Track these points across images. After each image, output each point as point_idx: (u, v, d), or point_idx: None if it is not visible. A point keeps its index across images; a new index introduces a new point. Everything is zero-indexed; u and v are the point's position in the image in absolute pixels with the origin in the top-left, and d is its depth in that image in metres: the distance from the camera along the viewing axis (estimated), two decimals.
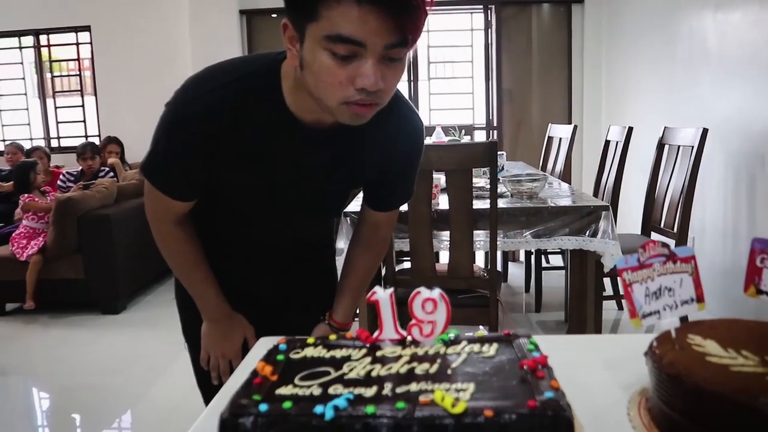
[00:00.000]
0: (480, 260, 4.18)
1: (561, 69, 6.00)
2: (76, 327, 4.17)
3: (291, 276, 1.52)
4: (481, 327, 3.53)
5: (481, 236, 2.67)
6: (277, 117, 1.16)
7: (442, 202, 2.76)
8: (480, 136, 6.14)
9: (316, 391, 0.70)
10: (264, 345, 1.02)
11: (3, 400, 3.22)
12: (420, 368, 0.76)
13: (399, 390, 0.69)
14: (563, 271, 4.04)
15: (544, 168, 4.69)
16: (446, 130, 4.64)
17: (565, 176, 4.19)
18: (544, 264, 4.15)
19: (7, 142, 6.30)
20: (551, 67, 6.02)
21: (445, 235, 2.63)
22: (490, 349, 0.81)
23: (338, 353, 0.83)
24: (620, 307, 3.90)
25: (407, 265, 2.67)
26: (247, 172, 1.23)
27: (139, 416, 2.94)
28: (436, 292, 0.83)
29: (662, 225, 3.41)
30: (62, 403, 3.14)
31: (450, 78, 6.72)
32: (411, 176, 1.41)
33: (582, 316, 2.88)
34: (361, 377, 0.74)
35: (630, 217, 4.33)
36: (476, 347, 0.82)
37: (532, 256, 4.24)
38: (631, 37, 5.17)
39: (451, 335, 0.86)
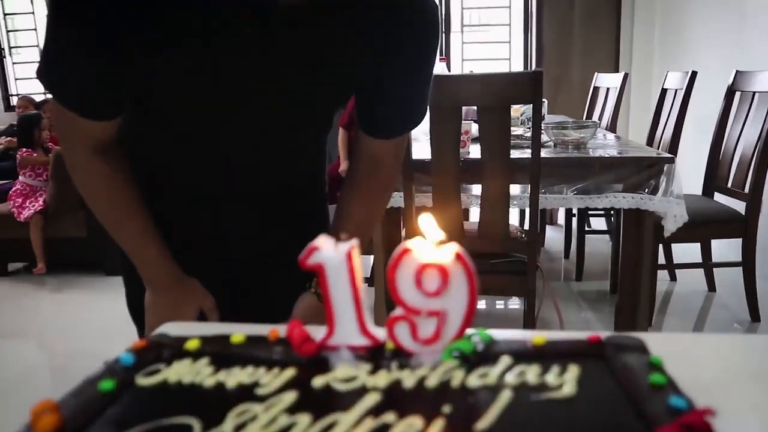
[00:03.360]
0: (514, 221, 3.78)
1: (608, 13, 5.46)
2: (80, 289, 3.87)
3: (266, 227, 1.13)
4: (517, 300, 3.13)
5: (516, 191, 2.25)
6: None
7: (473, 152, 2.33)
8: None
9: None
10: (169, 329, 0.57)
11: (5, 363, 2.96)
12: (403, 429, 0.32)
13: None
14: (606, 236, 3.63)
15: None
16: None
17: (612, 131, 3.76)
18: (585, 227, 3.74)
19: (20, 95, 6.10)
20: (597, 11, 5.49)
21: (477, 189, 2.21)
22: (565, 379, 0.36)
23: (234, 377, 0.39)
24: (672, 278, 3.47)
25: None
26: (180, 70, 0.85)
27: None
28: (448, 251, 0.38)
29: (729, 185, 2.96)
30: (65, 367, 2.85)
31: (485, 26, 6.24)
32: (420, 85, 1.02)
33: (635, 287, 2.47)
34: None
35: (689, 175, 3.83)
36: (532, 372, 0.38)
37: (573, 219, 3.79)
38: None
39: (477, 340, 0.42)
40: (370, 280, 2.77)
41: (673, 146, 3.28)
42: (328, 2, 0.77)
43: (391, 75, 0.95)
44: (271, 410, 0.35)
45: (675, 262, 3.27)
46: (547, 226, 4.48)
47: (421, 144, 2.34)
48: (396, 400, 0.36)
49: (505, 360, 0.39)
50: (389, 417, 0.34)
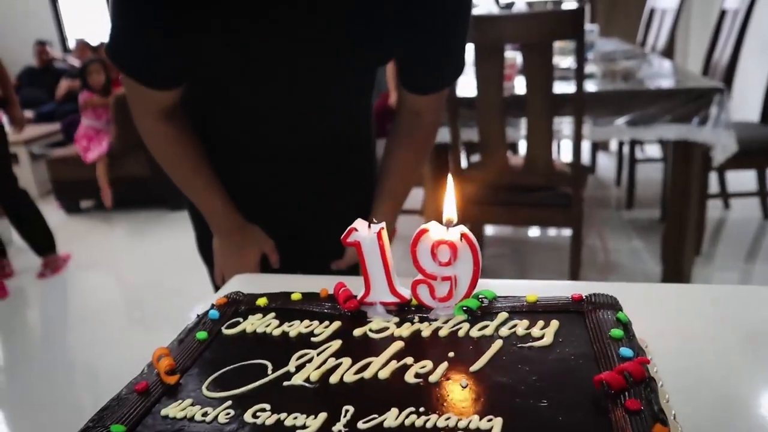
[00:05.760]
0: (566, 153, 3.75)
1: None
2: (147, 225, 4.12)
3: (317, 181, 1.22)
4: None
5: (566, 123, 2.27)
6: None
7: (519, 85, 2.35)
8: None
9: (223, 418, 0.40)
10: (240, 281, 0.72)
11: (88, 293, 3.23)
12: (417, 369, 0.44)
13: (365, 425, 0.38)
14: (660, 163, 3.56)
15: (643, 45, 4.09)
16: (530, 3, 4.09)
17: (668, 55, 3.62)
18: (638, 155, 3.66)
19: (77, 39, 6.24)
20: None
21: (523, 123, 2.24)
22: (546, 332, 0.47)
23: (294, 328, 0.51)
24: (726, 206, 3.41)
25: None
26: (229, 40, 0.92)
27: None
28: (455, 231, 0.49)
29: None
30: (139, 298, 3.10)
31: None
32: (457, 39, 1.03)
33: (683, 216, 2.47)
34: (311, 385, 0.43)
35: (746, 102, 3.72)
36: (521, 326, 0.49)
37: (625, 146, 3.73)
38: None
39: (483, 298, 0.53)
40: (421, 212, 2.87)
41: (730, 71, 3.17)
42: None
43: (428, 31, 0.96)
44: (322, 354, 0.47)
45: (730, 190, 3.21)
46: (599, 152, 4.43)
47: (466, 77, 2.37)
48: (415, 346, 0.48)
49: (502, 315, 0.51)
50: (408, 360, 0.46)
